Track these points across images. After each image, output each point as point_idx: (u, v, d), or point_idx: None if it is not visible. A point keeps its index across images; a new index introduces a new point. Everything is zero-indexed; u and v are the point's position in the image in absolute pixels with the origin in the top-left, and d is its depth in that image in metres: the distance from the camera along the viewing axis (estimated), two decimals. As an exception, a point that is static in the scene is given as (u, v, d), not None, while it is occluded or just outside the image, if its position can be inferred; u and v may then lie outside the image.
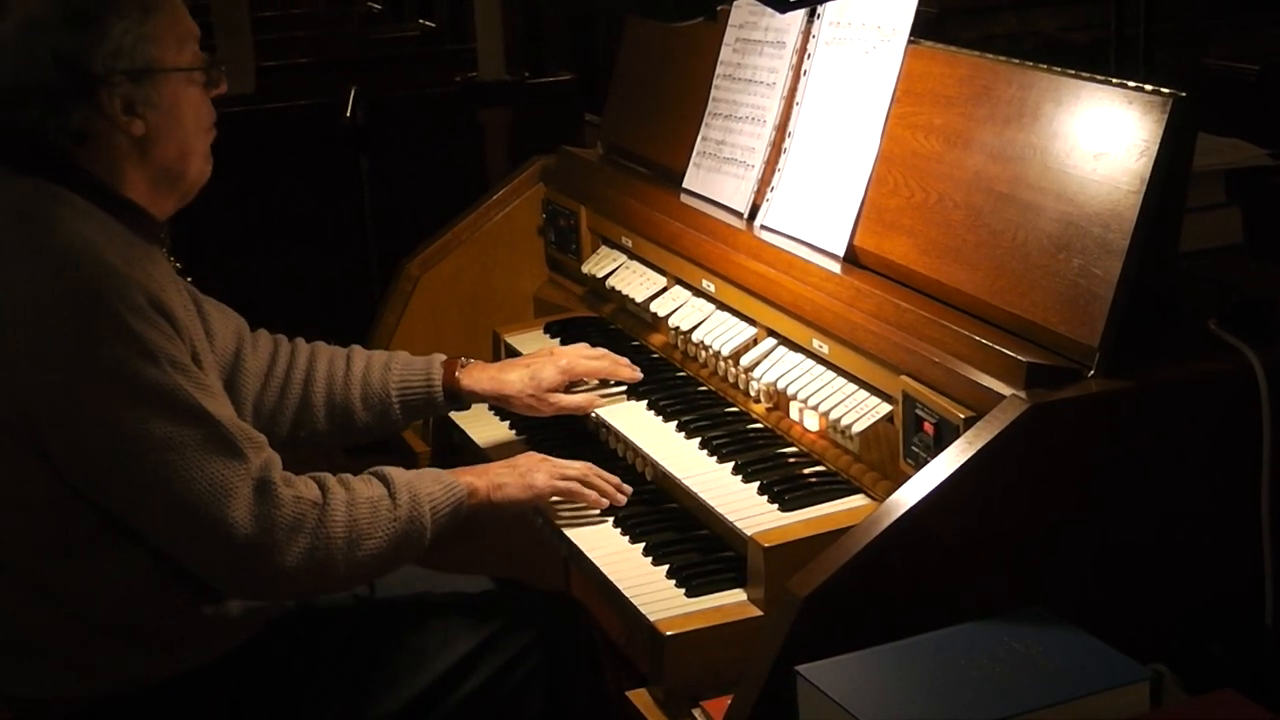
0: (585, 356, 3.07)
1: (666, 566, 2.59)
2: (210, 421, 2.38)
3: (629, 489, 2.79)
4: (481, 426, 3.20)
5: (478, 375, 3.02)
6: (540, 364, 3.04)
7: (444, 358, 3.04)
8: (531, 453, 2.84)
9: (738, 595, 2.49)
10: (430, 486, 2.59)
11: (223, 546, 2.37)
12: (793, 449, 2.74)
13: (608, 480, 2.78)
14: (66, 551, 2.41)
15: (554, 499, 2.78)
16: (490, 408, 3.22)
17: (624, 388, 3.06)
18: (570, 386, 3.04)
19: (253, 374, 2.89)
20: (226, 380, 2.75)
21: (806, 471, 2.65)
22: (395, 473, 2.59)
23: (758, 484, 2.63)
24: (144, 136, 2.49)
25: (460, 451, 3.19)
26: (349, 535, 2.46)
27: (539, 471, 2.74)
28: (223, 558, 2.39)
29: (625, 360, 3.08)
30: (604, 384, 3.07)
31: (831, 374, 2.68)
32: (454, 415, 3.20)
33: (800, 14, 3.04)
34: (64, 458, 2.36)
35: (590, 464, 2.81)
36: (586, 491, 2.76)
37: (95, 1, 2.45)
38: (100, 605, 2.43)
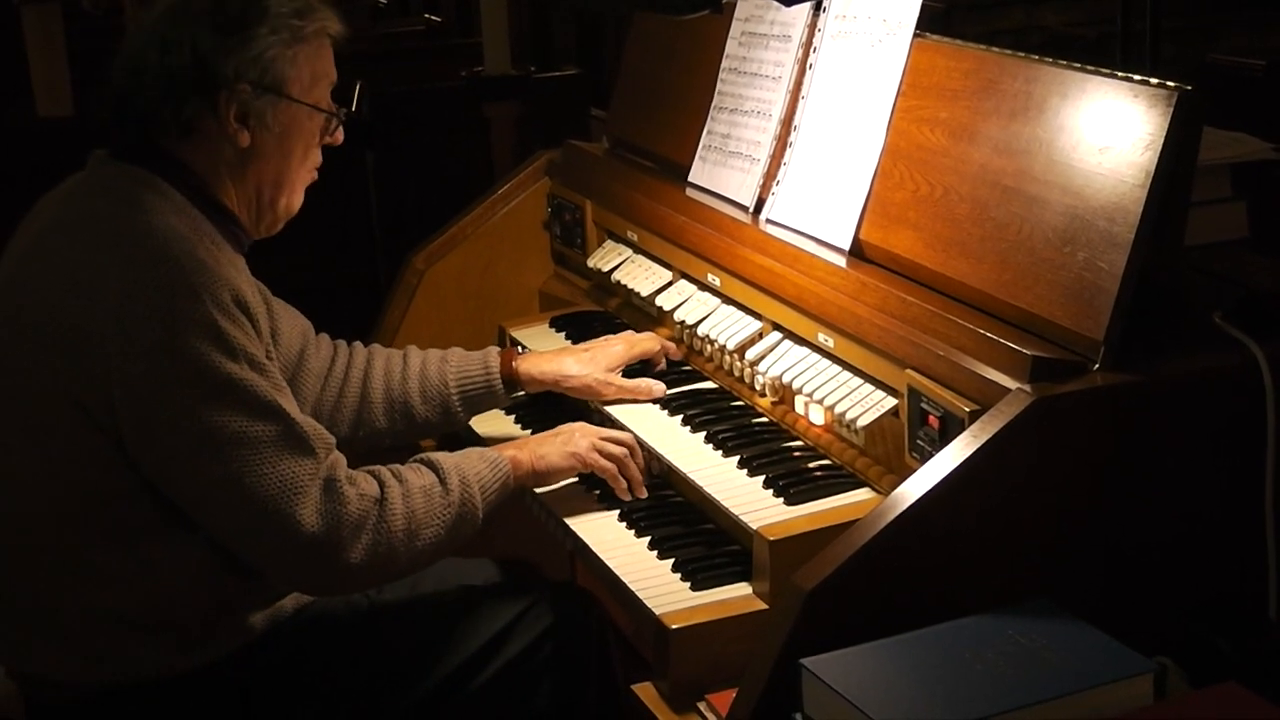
0: (636, 339, 3.11)
1: (672, 560, 2.59)
2: (286, 419, 2.41)
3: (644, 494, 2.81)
4: (487, 420, 3.20)
5: (536, 360, 3.07)
6: (598, 347, 3.08)
7: (498, 349, 3.08)
8: (572, 424, 2.88)
9: (743, 589, 2.49)
10: (476, 465, 2.64)
11: (290, 544, 2.39)
12: (798, 443, 2.75)
13: (637, 471, 2.81)
14: (116, 538, 2.43)
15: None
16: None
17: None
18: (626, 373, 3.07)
19: (314, 374, 2.94)
20: (290, 379, 2.79)
21: (812, 465, 2.65)
22: (442, 458, 2.63)
23: (763, 478, 2.63)
24: (247, 150, 2.54)
25: (466, 446, 3.19)
26: (408, 527, 2.49)
27: (583, 440, 2.78)
28: (289, 555, 2.42)
29: (670, 345, 3.12)
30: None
31: (837, 368, 2.68)
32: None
33: (806, 7, 3.04)
34: (138, 446, 2.38)
35: (632, 436, 2.84)
36: (620, 479, 2.78)
37: (254, 9, 2.51)
38: (133, 595, 2.45)
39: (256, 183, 2.58)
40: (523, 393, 3.12)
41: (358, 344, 3.06)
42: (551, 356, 3.09)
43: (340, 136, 2.69)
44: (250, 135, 2.53)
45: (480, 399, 3.05)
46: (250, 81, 2.50)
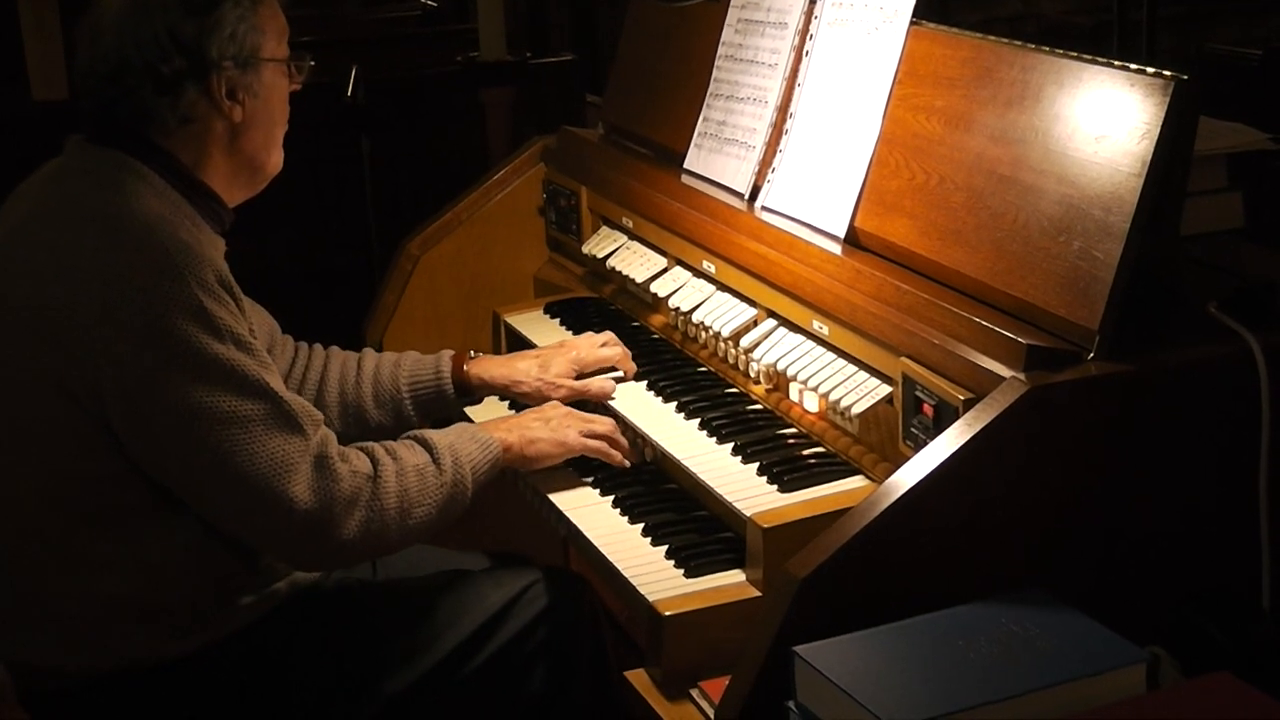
0: (595, 345, 3.09)
1: (665, 547, 2.59)
2: (274, 397, 2.42)
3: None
4: (482, 408, 3.20)
5: (486, 365, 3.06)
6: (550, 353, 3.08)
7: (452, 352, 3.07)
8: (557, 403, 2.90)
9: (736, 576, 2.49)
10: (469, 446, 2.66)
11: (283, 520, 2.41)
12: (792, 430, 2.75)
13: (625, 442, 2.86)
14: (106, 525, 2.43)
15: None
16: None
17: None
18: (579, 377, 3.05)
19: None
20: None
21: (806, 453, 2.65)
22: (435, 436, 2.64)
23: (757, 465, 2.63)
24: (240, 123, 2.56)
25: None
26: (400, 505, 2.51)
27: (570, 428, 2.81)
28: (283, 531, 2.43)
29: (628, 361, 3.09)
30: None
31: (831, 355, 2.68)
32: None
33: (802, -5, 3.03)
34: (127, 430, 2.38)
35: (613, 421, 2.86)
36: (613, 452, 2.82)
37: None
38: (124, 582, 2.44)
39: (250, 151, 2.59)
40: (480, 400, 3.10)
41: (317, 346, 3.06)
42: (503, 361, 3.08)
43: (300, 82, 2.69)
44: (242, 108, 2.55)
45: (432, 402, 3.04)
46: (231, 58, 2.52)
